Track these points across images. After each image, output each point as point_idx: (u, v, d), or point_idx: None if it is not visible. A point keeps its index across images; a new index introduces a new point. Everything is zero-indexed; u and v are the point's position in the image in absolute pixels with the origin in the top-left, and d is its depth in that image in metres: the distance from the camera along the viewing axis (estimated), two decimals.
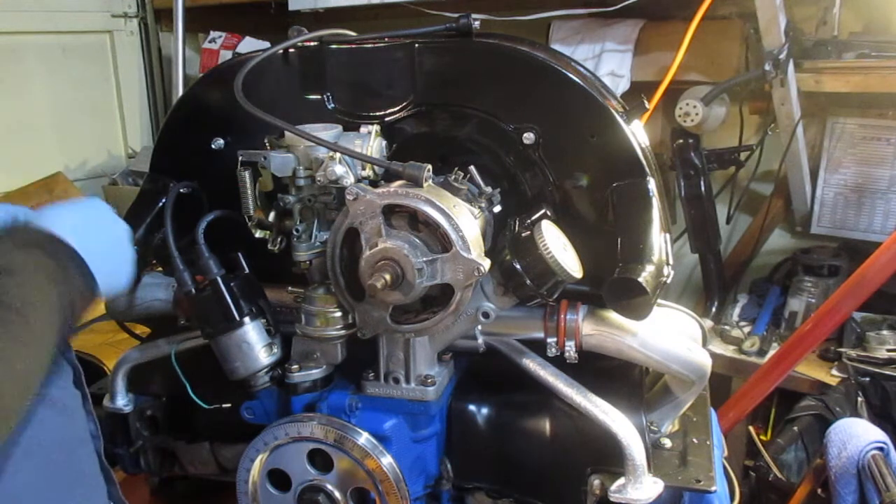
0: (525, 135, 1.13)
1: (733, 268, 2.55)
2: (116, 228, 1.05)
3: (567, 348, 1.15)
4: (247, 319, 1.14)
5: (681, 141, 2.24)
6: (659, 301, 1.08)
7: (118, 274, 1.03)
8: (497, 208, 1.13)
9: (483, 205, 1.10)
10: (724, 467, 1.32)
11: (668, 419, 1.23)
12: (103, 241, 1.01)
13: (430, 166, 1.02)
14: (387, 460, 1.12)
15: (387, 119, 1.18)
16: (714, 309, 2.43)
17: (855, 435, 1.55)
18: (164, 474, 1.48)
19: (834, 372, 2.02)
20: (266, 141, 1.14)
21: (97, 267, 0.97)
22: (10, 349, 0.80)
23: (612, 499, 1.08)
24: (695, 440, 1.23)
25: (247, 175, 1.13)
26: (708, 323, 2.31)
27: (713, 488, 1.11)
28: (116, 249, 1.04)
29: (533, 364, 1.16)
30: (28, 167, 2.57)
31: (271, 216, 1.16)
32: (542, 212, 1.12)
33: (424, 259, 1.01)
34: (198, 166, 1.27)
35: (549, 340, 1.16)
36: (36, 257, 0.89)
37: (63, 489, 0.99)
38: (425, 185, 1.02)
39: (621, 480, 1.08)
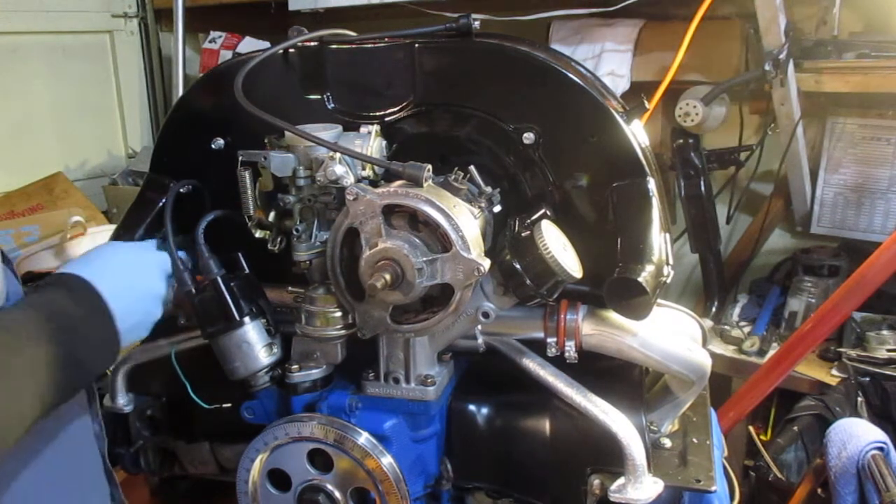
0: (525, 135, 1.13)
1: (733, 268, 2.55)
2: (149, 276, 1.06)
3: (567, 348, 1.15)
4: (247, 319, 1.14)
5: (681, 141, 2.24)
6: (659, 301, 1.08)
7: (143, 324, 1.04)
8: (497, 208, 1.13)
9: (483, 205, 1.10)
10: (724, 467, 1.32)
11: (668, 419, 1.23)
12: (133, 288, 1.02)
13: (430, 166, 1.02)
14: (387, 460, 1.12)
15: (387, 119, 1.18)
16: (714, 309, 2.42)
17: (855, 435, 1.55)
18: (164, 474, 1.48)
19: (834, 372, 2.02)
20: (266, 141, 1.14)
21: (123, 314, 0.96)
22: None
23: (612, 499, 1.07)
24: (695, 440, 1.23)
25: (247, 175, 1.13)
26: (708, 323, 2.31)
27: (713, 488, 1.11)
28: (145, 298, 1.04)
29: (533, 364, 1.16)
30: (28, 167, 2.57)
31: (271, 216, 1.16)
32: (542, 212, 1.13)
33: (424, 259, 1.01)
34: (198, 166, 1.27)
35: (549, 340, 1.16)
36: (41, 312, 0.87)
37: (65, 490, 0.99)
38: (425, 185, 1.02)
39: (621, 480, 1.08)
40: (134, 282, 1.03)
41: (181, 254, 1.14)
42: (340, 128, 1.15)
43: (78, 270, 0.96)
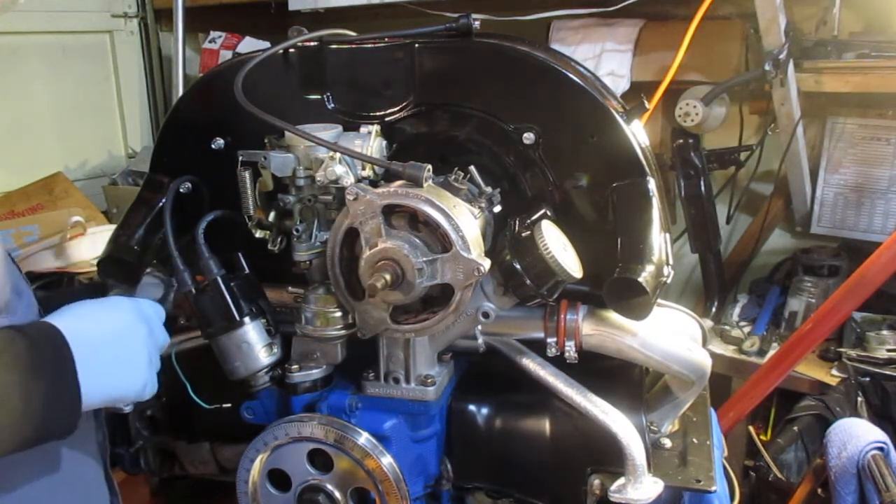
0: (525, 135, 1.13)
1: (733, 268, 2.55)
2: (132, 337, 0.93)
3: (567, 348, 1.15)
4: (247, 319, 1.14)
5: (681, 141, 2.24)
6: (659, 301, 1.08)
7: (120, 386, 0.90)
8: (497, 208, 1.13)
9: (483, 205, 1.10)
10: (724, 467, 1.32)
11: (668, 419, 1.23)
12: (109, 346, 0.89)
13: (430, 166, 1.02)
14: (387, 460, 1.12)
15: (387, 119, 1.18)
16: (714, 309, 2.42)
17: (855, 435, 1.55)
18: (164, 474, 1.48)
19: (834, 372, 2.02)
20: (266, 141, 1.14)
21: (94, 372, 0.84)
22: None
23: (612, 499, 1.08)
24: (695, 440, 1.23)
25: (247, 175, 1.13)
26: (708, 323, 2.31)
27: (713, 488, 1.11)
28: (125, 357, 0.91)
29: (533, 364, 1.16)
30: (28, 167, 2.57)
31: (271, 216, 1.16)
32: (542, 212, 1.13)
33: (424, 259, 1.01)
34: (197, 166, 1.27)
35: (549, 340, 1.16)
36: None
37: (66, 498, 0.99)
38: (425, 185, 1.02)
39: (621, 480, 1.08)
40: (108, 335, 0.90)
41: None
42: (340, 128, 1.15)
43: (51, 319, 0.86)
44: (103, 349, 0.88)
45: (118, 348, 0.91)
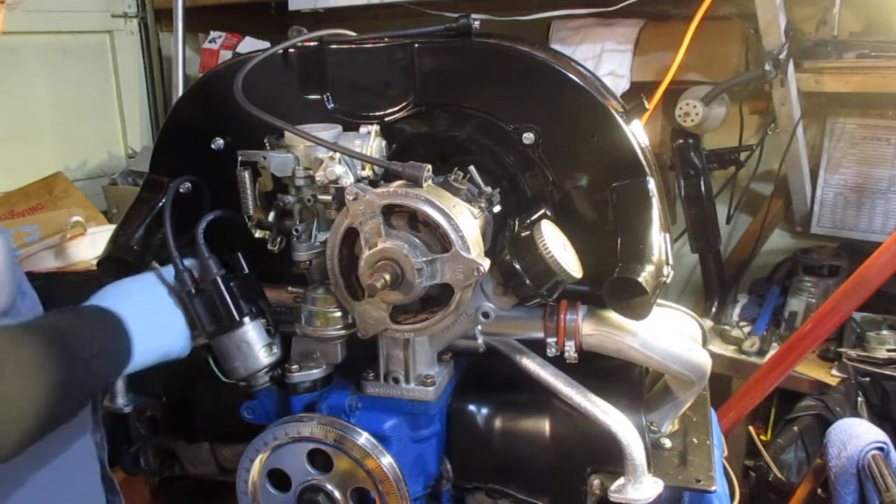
0: (525, 135, 1.13)
1: (733, 268, 2.55)
2: (161, 298, 1.10)
3: (567, 348, 1.15)
4: (247, 319, 1.14)
5: (681, 141, 2.24)
6: (659, 301, 1.08)
7: (161, 341, 1.07)
8: (497, 208, 1.13)
9: (483, 205, 1.10)
10: (724, 467, 1.32)
11: (668, 419, 1.23)
12: (146, 309, 1.06)
13: (429, 166, 1.02)
14: (387, 460, 1.12)
15: (387, 119, 1.18)
16: (714, 309, 2.42)
17: (855, 435, 1.55)
18: (164, 474, 1.48)
19: (834, 372, 2.02)
20: (266, 141, 1.14)
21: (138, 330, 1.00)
22: None
23: (612, 499, 1.08)
24: (695, 440, 1.23)
25: (246, 175, 1.13)
26: (708, 323, 2.31)
27: (713, 488, 1.11)
28: (161, 316, 1.08)
29: (533, 364, 1.16)
30: (28, 167, 2.57)
31: (271, 216, 1.16)
32: (542, 212, 1.13)
33: (424, 259, 1.01)
34: (197, 167, 1.27)
35: (548, 340, 1.16)
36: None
37: (61, 497, 0.99)
38: (425, 185, 1.02)
39: (621, 480, 1.08)
40: (149, 300, 1.09)
41: (187, 261, 1.14)
42: (340, 128, 1.15)
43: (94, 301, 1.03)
44: (150, 318, 1.05)
45: (162, 317, 1.09)
